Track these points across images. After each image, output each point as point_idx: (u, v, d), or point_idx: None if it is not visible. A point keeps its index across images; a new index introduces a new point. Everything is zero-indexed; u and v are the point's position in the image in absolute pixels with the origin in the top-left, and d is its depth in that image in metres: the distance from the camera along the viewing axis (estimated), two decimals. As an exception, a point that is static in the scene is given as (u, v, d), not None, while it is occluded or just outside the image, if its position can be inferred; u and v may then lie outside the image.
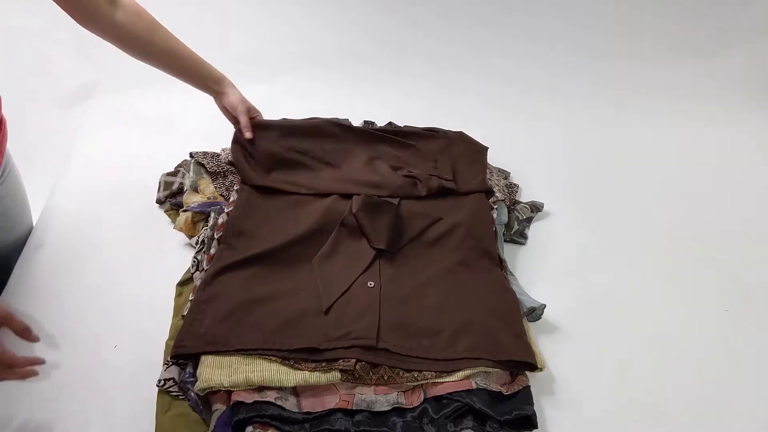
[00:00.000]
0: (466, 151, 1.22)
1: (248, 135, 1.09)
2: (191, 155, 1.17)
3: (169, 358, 0.83)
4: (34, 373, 0.72)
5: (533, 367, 0.83)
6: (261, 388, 0.78)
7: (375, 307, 0.87)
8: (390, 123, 1.31)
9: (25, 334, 0.72)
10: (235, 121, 1.10)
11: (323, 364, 0.80)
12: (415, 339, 0.85)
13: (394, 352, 0.82)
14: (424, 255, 0.99)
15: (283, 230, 0.98)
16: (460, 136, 1.25)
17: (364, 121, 1.30)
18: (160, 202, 1.14)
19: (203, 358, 0.80)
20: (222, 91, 1.07)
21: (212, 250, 0.97)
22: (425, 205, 1.07)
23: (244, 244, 0.96)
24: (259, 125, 1.11)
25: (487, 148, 1.24)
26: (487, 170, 1.23)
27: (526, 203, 1.18)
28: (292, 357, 0.80)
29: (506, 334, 0.86)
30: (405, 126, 1.28)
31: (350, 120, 1.28)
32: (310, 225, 0.99)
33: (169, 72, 1.02)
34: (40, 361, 0.73)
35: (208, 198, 1.09)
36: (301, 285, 0.91)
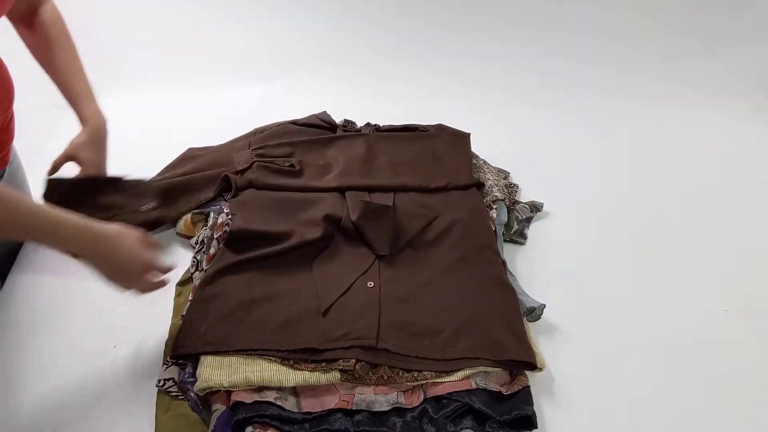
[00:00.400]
0: (448, 143, 1.23)
1: (46, 172, 0.96)
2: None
3: (168, 358, 0.83)
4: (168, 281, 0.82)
5: (533, 366, 0.83)
6: (261, 388, 0.78)
7: (375, 307, 0.87)
8: (367, 124, 1.30)
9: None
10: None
11: (323, 364, 0.80)
12: (415, 339, 0.85)
13: (394, 352, 0.82)
14: (424, 254, 0.99)
15: (284, 232, 0.98)
16: (441, 128, 1.25)
17: (345, 119, 1.30)
18: (160, 202, 1.14)
19: (203, 358, 0.80)
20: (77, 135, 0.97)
21: (212, 250, 0.97)
22: (420, 204, 1.07)
23: (244, 246, 0.96)
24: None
25: (469, 134, 1.24)
26: (486, 167, 1.24)
27: (525, 203, 1.18)
28: (291, 357, 0.80)
29: (506, 334, 0.86)
30: (384, 126, 1.29)
31: (330, 114, 1.29)
32: (311, 228, 0.98)
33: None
34: (173, 267, 0.83)
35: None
36: (302, 286, 0.91)
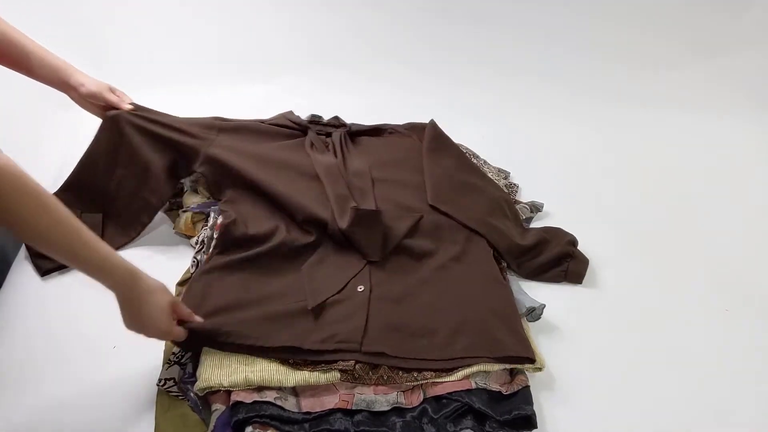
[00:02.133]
0: (421, 141, 1.20)
1: (130, 106, 1.05)
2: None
3: (170, 356, 0.83)
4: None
5: (532, 361, 0.83)
6: (260, 388, 0.78)
7: (363, 311, 0.86)
8: (336, 117, 1.26)
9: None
10: (102, 108, 1.03)
11: (322, 365, 0.80)
12: (412, 340, 0.84)
13: (392, 356, 0.82)
14: (417, 254, 0.98)
15: (270, 231, 0.97)
16: (411, 126, 1.24)
17: (311, 114, 1.27)
18: (160, 202, 1.13)
19: (203, 358, 0.80)
20: (79, 81, 0.98)
21: (212, 250, 0.97)
22: (402, 206, 1.05)
23: (233, 247, 0.95)
24: None
25: (432, 120, 1.22)
26: (486, 167, 1.24)
27: (525, 203, 1.18)
28: (280, 356, 0.80)
29: (503, 331, 0.86)
30: (352, 124, 1.25)
31: (323, 116, 1.27)
32: (298, 229, 0.98)
33: (8, 65, 0.92)
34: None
35: (208, 198, 1.09)
36: (291, 288, 0.90)
